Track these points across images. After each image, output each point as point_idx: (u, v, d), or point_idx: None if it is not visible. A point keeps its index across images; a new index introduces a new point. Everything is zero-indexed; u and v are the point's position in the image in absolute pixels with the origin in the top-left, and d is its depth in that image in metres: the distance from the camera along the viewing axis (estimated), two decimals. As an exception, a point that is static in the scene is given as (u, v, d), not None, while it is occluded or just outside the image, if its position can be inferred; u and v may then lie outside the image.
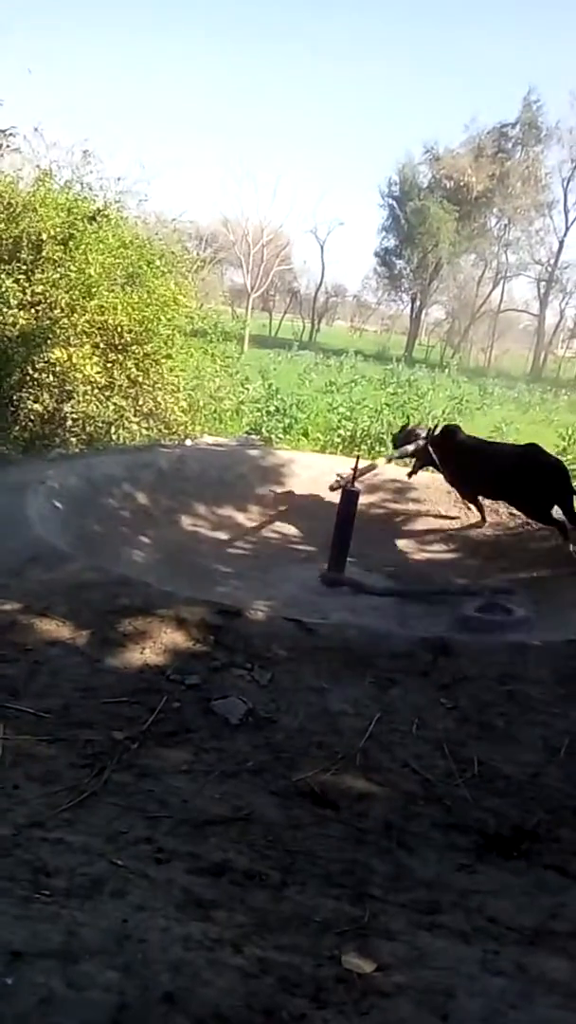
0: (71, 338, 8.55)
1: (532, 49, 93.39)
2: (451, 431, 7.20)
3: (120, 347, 9.09)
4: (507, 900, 2.01)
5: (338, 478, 6.67)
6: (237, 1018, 1.37)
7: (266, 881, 1.96)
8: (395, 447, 7.45)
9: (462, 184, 53.08)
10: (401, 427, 7.75)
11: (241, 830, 2.22)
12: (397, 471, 7.80)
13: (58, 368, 8.45)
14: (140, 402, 9.37)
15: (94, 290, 8.69)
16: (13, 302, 8.20)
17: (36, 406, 8.49)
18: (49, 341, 8.35)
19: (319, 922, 1.78)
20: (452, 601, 5.60)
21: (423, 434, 7.24)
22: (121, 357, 9.09)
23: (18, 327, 8.26)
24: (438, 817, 2.45)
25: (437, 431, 7.24)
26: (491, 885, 2.09)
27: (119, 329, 8.95)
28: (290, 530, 7.33)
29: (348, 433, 13.26)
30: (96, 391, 8.76)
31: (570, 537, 6.36)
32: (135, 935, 1.57)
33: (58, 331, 8.44)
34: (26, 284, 8.43)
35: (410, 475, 7.46)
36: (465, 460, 6.90)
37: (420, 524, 7.48)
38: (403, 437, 7.43)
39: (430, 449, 7.06)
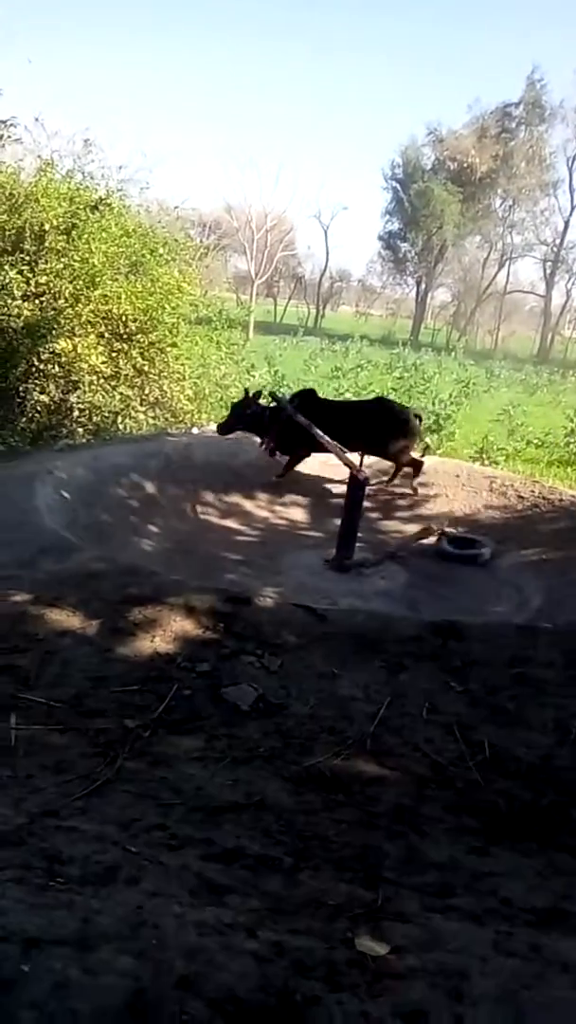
0: (76, 328, 8.55)
1: (535, 28, 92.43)
2: (311, 393, 7.88)
3: (125, 336, 9.08)
4: (520, 882, 2.02)
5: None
6: (252, 1001, 1.37)
7: (279, 866, 1.97)
8: (233, 414, 7.71)
9: (466, 165, 52.69)
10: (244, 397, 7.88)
11: (253, 816, 2.23)
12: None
13: (63, 359, 8.46)
14: (146, 391, 9.37)
15: (98, 279, 8.68)
16: (17, 293, 8.20)
17: (42, 397, 8.50)
18: (54, 332, 8.35)
19: (332, 906, 1.79)
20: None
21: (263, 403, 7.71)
22: (126, 346, 9.09)
23: (23, 318, 8.26)
24: (450, 800, 2.46)
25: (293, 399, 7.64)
26: (503, 867, 2.10)
27: (124, 318, 8.94)
28: (298, 516, 7.33)
29: (355, 418, 13.20)
30: (102, 381, 8.77)
31: (418, 474, 7.57)
32: (149, 921, 1.58)
33: (63, 321, 8.44)
34: (30, 275, 8.42)
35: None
36: (328, 417, 7.23)
37: (428, 508, 7.47)
38: (242, 406, 7.70)
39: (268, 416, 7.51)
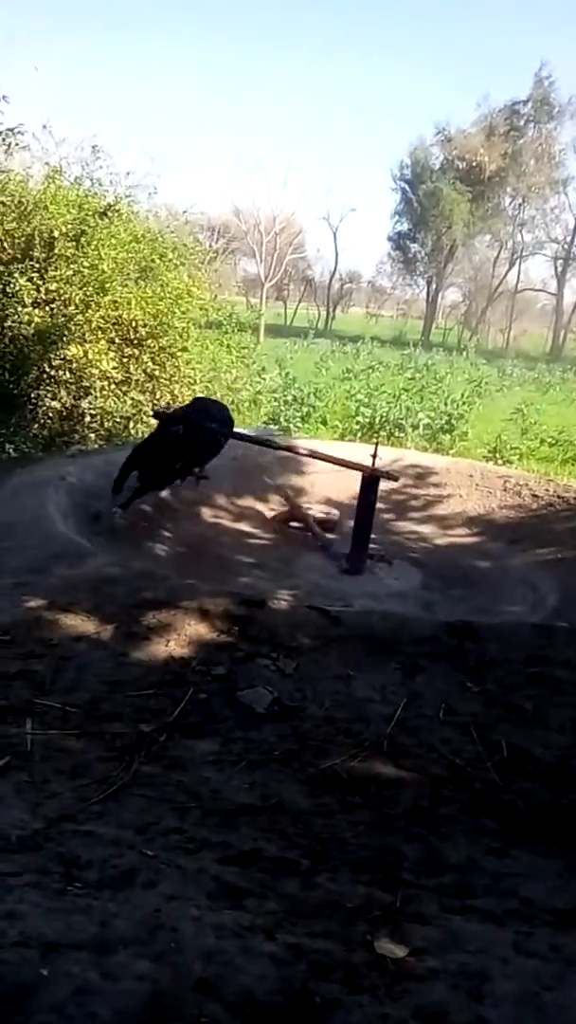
0: (86, 334, 8.59)
1: (543, 24, 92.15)
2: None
3: (135, 341, 9.11)
4: (539, 882, 2.00)
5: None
6: (271, 1004, 1.37)
7: (297, 868, 1.97)
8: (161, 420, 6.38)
9: (475, 164, 52.50)
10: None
11: (270, 818, 2.23)
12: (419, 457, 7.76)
13: (74, 365, 8.50)
14: (157, 396, 9.40)
15: (107, 285, 8.72)
16: (28, 300, 8.24)
17: (54, 403, 8.54)
18: (65, 338, 8.40)
19: (351, 908, 1.78)
20: None
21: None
22: (137, 351, 9.12)
23: (33, 325, 8.30)
24: (467, 801, 2.44)
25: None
26: (523, 868, 2.09)
27: (134, 323, 8.97)
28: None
29: (367, 420, 13.23)
30: (113, 386, 8.80)
31: None
32: (167, 924, 1.58)
33: (73, 328, 8.48)
34: (40, 282, 8.46)
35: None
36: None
37: (442, 508, 7.45)
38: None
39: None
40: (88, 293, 8.62)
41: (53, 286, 8.51)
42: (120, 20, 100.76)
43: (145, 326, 9.07)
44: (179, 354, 9.56)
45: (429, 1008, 1.40)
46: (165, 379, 9.46)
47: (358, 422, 13.24)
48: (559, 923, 1.81)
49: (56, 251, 8.66)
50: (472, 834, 2.26)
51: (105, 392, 8.73)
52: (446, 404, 14.55)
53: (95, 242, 8.72)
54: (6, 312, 8.31)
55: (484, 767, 2.64)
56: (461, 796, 2.47)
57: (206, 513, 7.08)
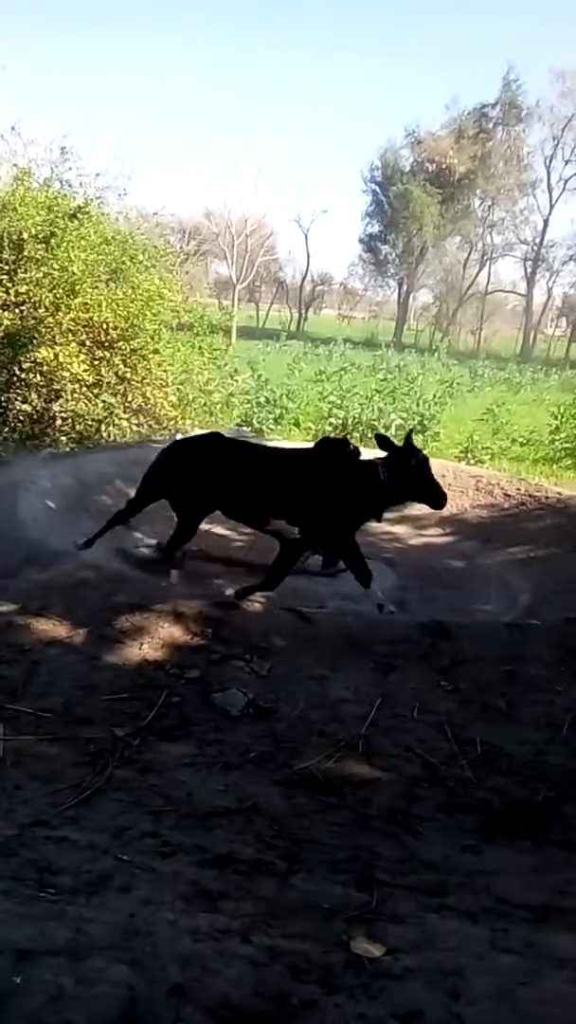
0: (57, 337, 8.53)
1: (510, 28, 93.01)
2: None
3: (106, 344, 9.06)
4: (514, 879, 2.01)
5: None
6: (247, 1007, 1.36)
7: (272, 870, 1.96)
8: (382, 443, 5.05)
9: (444, 166, 52.94)
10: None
11: (246, 821, 2.22)
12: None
13: (45, 368, 8.43)
14: (129, 398, 9.35)
15: (78, 288, 8.66)
16: (-3, 303, 8.18)
17: (25, 406, 8.47)
18: (35, 341, 8.33)
19: (327, 908, 1.78)
20: None
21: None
22: (108, 354, 9.07)
23: (2, 328, 8.23)
24: (442, 799, 2.45)
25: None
26: (498, 865, 2.10)
27: (105, 326, 8.92)
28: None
29: (339, 421, 13.28)
30: (84, 389, 8.74)
31: None
32: (143, 929, 1.57)
33: (43, 330, 8.42)
34: (9, 284, 8.40)
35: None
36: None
37: (415, 508, 7.47)
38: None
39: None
40: (58, 295, 8.56)
41: (23, 288, 8.45)
42: (89, 21, 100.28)
43: (116, 328, 9.02)
44: (151, 356, 9.51)
45: (405, 1007, 1.40)
46: (137, 381, 9.41)
47: (331, 423, 13.28)
48: (534, 919, 1.82)
49: (25, 253, 8.59)
50: (447, 832, 2.27)
51: (76, 395, 8.67)
52: (418, 405, 14.63)
53: (65, 244, 8.67)
54: (-25, 316, 8.24)
55: (459, 765, 2.65)
56: (436, 794, 2.48)
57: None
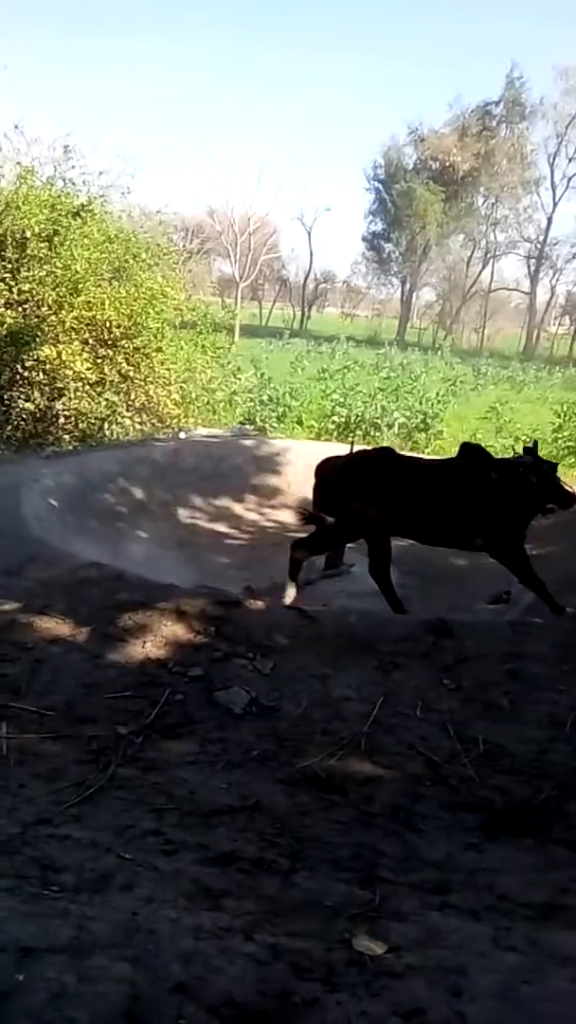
0: (60, 335, 8.54)
1: (514, 25, 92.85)
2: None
3: (109, 342, 9.07)
4: (517, 877, 2.01)
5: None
6: (250, 1004, 1.36)
7: (275, 868, 1.96)
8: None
9: (448, 164, 52.89)
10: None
11: (248, 819, 2.22)
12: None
13: (48, 366, 8.44)
14: (132, 396, 9.36)
15: (81, 286, 8.67)
16: (0, 301, 8.17)
17: (28, 405, 8.48)
18: (38, 339, 8.34)
19: (329, 907, 1.78)
20: None
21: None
22: (111, 352, 9.07)
23: (6, 326, 8.25)
24: (445, 797, 2.45)
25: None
26: (500, 863, 2.09)
27: (108, 324, 8.93)
28: (287, 519, 7.31)
29: (342, 419, 13.25)
30: (87, 387, 8.75)
31: None
32: (145, 927, 1.57)
33: (46, 329, 8.43)
34: (12, 283, 8.40)
35: None
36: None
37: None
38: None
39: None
40: (61, 294, 8.57)
41: (26, 287, 8.45)
42: (91, 21, 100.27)
43: (119, 327, 9.02)
44: (154, 355, 9.51)
45: (408, 1005, 1.40)
46: (140, 380, 9.42)
47: (334, 422, 13.27)
48: (536, 917, 1.82)
49: (28, 251, 8.60)
50: (450, 830, 2.27)
51: (79, 393, 8.68)
52: (421, 403, 14.61)
53: (68, 242, 8.67)
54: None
55: (461, 763, 2.65)
56: (438, 793, 2.48)
57: (182, 514, 7.05)
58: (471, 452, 5.13)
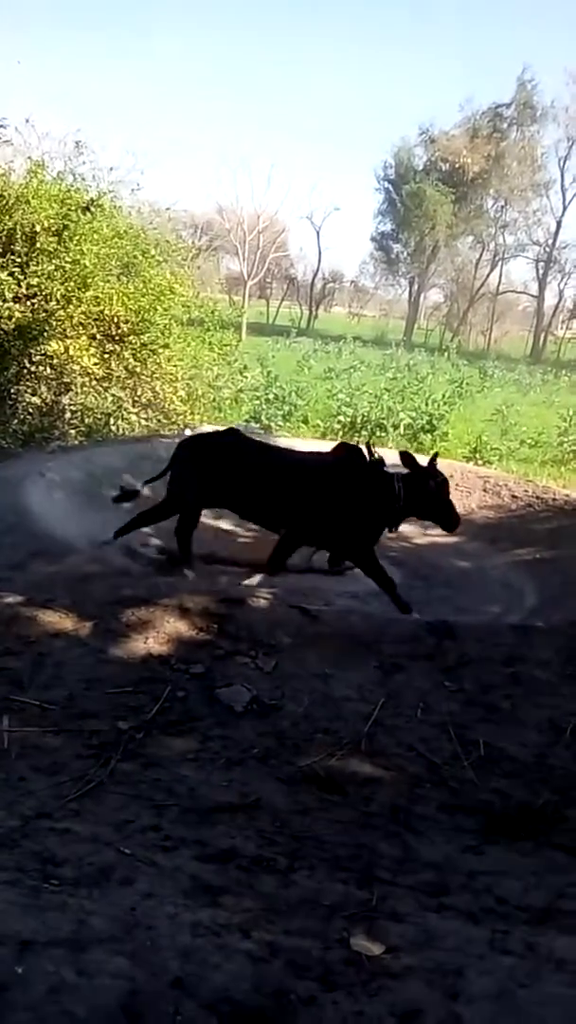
0: (67, 330, 8.55)
1: (525, 29, 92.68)
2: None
3: (117, 338, 9.08)
4: (515, 880, 2.01)
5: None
6: (246, 1002, 1.37)
7: (274, 866, 1.97)
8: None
9: (458, 166, 52.78)
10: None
11: (248, 816, 2.23)
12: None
13: (55, 360, 8.46)
14: (138, 392, 9.37)
15: (89, 281, 8.68)
16: (8, 295, 8.19)
17: (34, 399, 8.50)
18: (45, 333, 8.35)
19: (327, 906, 1.79)
20: None
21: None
22: (118, 348, 9.09)
23: (14, 320, 8.25)
24: (444, 799, 2.45)
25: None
26: (499, 866, 2.10)
27: (115, 320, 8.93)
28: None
29: (348, 419, 13.26)
30: (94, 382, 8.77)
31: None
32: (143, 922, 1.57)
33: (54, 323, 8.44)
34: (21, 277, 8.41)
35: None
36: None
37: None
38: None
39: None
40: (69, 288, 8.57)
41: (34, 281, 8.46)
42: (103, 16, 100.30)
43: (127, 322, 9.03)
44: (160, 351, 9.52)
45: (404, 1005, 1.40)
46: (146, 376, 9.43)
47: (339, 421, 13.27)
48: (534, 921, 1.82)
49: (38, 246, 8.60)
50: (449, 832, 2.27)
51: (86, 388, 8.69)
52: (427, 404, 14.59)
53: (77, 237, 8.67)
54: (-14, 307, 8.26)
55: (461, 766, 2.65)
56: (438, 794, 2.48)
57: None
58: (348, 451, 5.37)
